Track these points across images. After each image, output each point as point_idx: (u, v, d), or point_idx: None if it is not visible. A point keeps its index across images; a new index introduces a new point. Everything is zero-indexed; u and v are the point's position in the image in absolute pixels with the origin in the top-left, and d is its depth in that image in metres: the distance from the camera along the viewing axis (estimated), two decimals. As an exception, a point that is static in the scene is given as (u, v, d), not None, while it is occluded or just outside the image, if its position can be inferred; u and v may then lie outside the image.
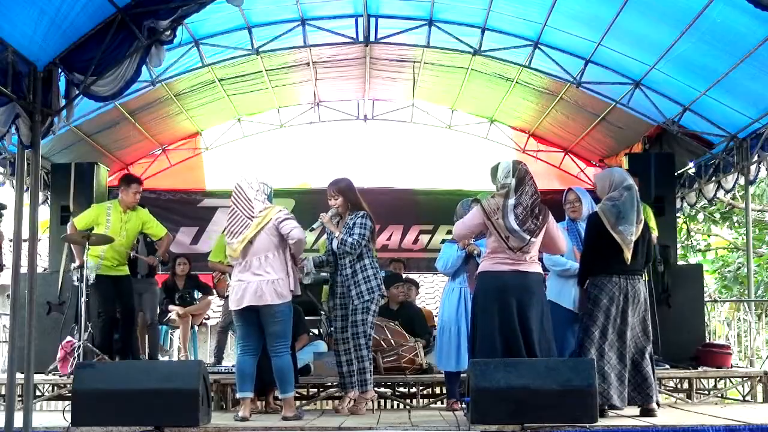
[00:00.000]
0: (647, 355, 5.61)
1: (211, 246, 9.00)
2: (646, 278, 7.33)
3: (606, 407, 5.41)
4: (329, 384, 7.35)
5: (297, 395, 6.47)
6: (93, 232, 7.39)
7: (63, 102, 5.53)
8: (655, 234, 8.06)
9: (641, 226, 5.61)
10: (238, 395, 5.70)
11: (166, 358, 9.42)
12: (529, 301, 5.36)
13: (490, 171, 6.67)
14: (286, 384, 5.68)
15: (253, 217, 5.61)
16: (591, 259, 5.69)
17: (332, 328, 6.30)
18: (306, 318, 7.99)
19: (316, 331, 8.35)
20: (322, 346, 7.86)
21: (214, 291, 8.99)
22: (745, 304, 9.81)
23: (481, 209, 5.51)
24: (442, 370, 6.56)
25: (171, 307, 8.98)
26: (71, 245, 7.65)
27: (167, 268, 9.34)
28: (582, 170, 12.25)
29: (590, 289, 5.64)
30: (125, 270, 7.64)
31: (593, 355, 5.43)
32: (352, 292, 6.03)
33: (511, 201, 5.42)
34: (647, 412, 5.49)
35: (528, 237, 5.35)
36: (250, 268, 5.60)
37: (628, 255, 5.52)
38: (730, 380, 8.03)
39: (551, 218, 5.51)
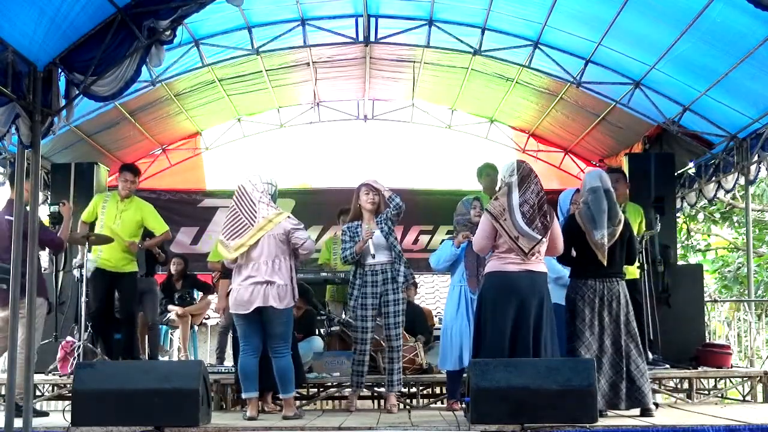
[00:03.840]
0: (633, 358, 5.54)
1: (212, 246, 8.99)
2: (646, 278, 7.37)
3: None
4: (329, 384, 7.35)
5: (297, 395, 6.47)
6: (93, 226, 7.46)
7: (63, 102, 5.52)
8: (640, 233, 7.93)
9: (619, 228, 5.57)
10: (243, 395, 5.74)
11: (166, 358, 9.42)
12: (540, 301, 5.36)
13: (478, 170, 6.67)
14: (287, 384, 5.70)
15: (255, 221, 5.60)
16: (565, 257, 5.70)
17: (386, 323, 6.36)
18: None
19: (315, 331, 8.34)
20: (317, 340, 7.84)
21: (215, 291, 8.98)
22: (745, 304, 9.82)
23: (488, 215, 5.46)
24: (444, 370, 6.56)
25: (170, 307, 8.99)
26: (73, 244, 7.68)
27: (166, 268, 9.34)
28: (582, 170, 12.23)
29: (569, 293, 5.68)
30: (128, 267, 7.54)
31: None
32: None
33: (516, 199, 5.37)
34: (646, 411, 5.49)
35: (538, 236, 5.31)
36: (258, 272, 5.58)
37: (602, 258, 5.50)
38: (730, 380, 8.03)
39: (555, 218, 5.51)
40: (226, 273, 6.71)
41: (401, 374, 6.43)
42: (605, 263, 5.52)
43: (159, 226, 7.73)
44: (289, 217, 5.73)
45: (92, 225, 7.64)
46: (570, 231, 5.65)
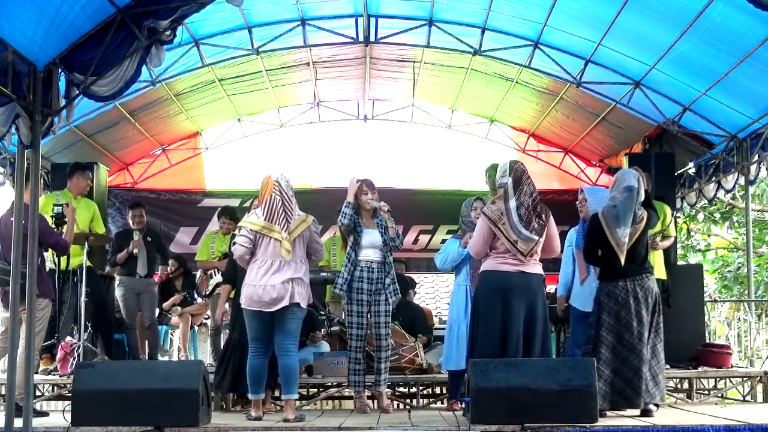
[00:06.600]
0: (657, 353, 5.55)
1: (202, 244, 9.00)
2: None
3: (606, 410, 5.41)
4: (329, 384, 7.34)
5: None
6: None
7: (63, 102, 5.53)
8: (672, 235, 7.93)
9: (641, 226, 5.54)
10: (251, 396, 5.72)
11: (166, 358, 9.42)
12: (534, 302, 5.35)
13: (485, 171, 6.65)
14: (291, 385, 5.64)
15: (292, 219, 5.60)
16: (591, 257, 5.68)
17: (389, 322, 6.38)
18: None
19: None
20: (324, 345, 7.85)
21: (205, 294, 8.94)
22: (745, 304, 9.82)
23: (485, 218, 5.45)
24: (447, 371, 6.55)
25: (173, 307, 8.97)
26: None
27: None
28: (582, 170, 12.25)
29: (599, 296, 5.61)
30: (79, 260, 7.48)
31: (608, 359, 5.43)
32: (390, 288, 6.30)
33: (513, 203, 5.36)
34: (646, 412, 5.49)
35: (536, 237, 5.32)
36: (289, 270, 5.52)
37: (621, 258, 5.47)
38: (730, 380, 8.03)
39: (551, 217, 5.50)
40: (226, 278, 6.69)
41: (388, 374, 6.40)
42: (622, 262, 5.46)
43: (99, 229, 7.82)
44: (314, 221, 5.76)
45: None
46: (595, 231, 5.58)
